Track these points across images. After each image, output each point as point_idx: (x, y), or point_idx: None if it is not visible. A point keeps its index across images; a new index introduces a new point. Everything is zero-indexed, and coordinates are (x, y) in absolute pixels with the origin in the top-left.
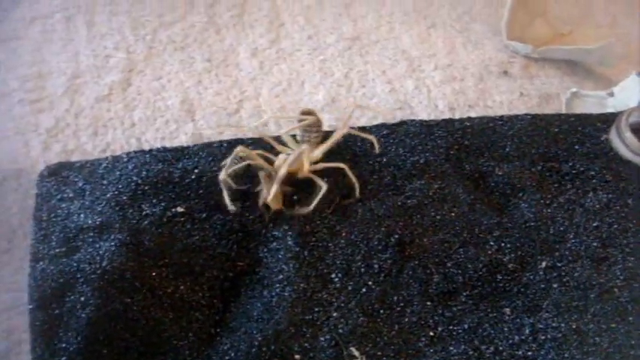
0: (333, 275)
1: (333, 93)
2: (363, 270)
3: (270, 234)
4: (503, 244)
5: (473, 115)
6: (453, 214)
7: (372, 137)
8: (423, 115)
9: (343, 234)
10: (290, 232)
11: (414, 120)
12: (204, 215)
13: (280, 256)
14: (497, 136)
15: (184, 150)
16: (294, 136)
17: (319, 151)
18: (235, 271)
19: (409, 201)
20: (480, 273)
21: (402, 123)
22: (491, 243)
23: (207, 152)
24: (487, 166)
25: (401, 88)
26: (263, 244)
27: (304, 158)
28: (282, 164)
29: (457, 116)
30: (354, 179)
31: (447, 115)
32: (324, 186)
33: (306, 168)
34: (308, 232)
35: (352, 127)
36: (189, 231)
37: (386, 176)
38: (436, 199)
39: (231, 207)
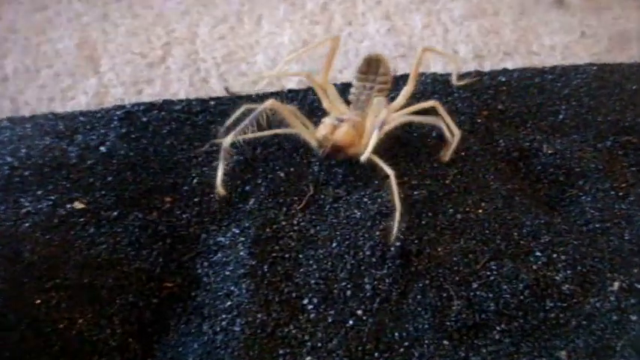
0: (305, 301)
1: (305, 33)
2: (349, 293)
3: (213, 240)
4: (555, 256)
5: (510, 66)
6: (480, 212)
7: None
8: (437, 67)
9: (320, 240)
10: (242, 238)
11: (423, 74)
12: (114, 214)
13: (228, 273)
14: (547, 98)
15: (85, 117)
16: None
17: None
18: (161, 295)
19: (416, 193)
20: (521, 298)
21: (405, 78)
22: (538, 254)
23: (123, 119)
24: (531, 142)
25: (404, 26)
26: (203, 255)
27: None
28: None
29: (487, 68)
30: (448, 121)
31: (471, 67)
32: (391, 174)
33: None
34: (269, 237)
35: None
36: (93, 237)
37: (382, 157)
38: (456, 189)
39: (220, 189)
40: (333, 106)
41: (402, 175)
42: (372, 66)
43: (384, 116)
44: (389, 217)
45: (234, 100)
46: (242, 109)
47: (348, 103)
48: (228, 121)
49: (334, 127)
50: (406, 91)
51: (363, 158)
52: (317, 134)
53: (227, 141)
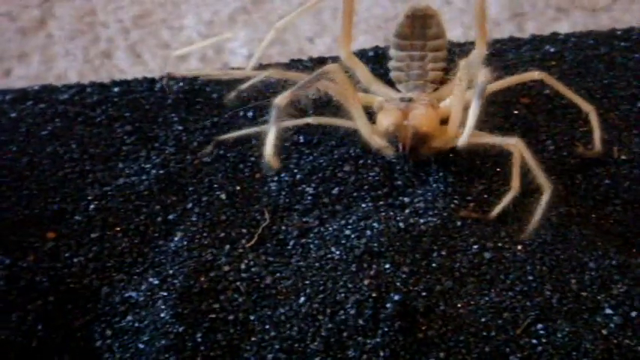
0: None
1: None
2: None
3: (120, 296)
4: (634, 315)
5: (563, 28)
6: (519, 249)
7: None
8: (456, 32)
9: (281, 294)
10: (164, 292)
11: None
12: None
13: (142, 346)
14: (618, 76)
15: None
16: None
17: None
18: None
19: (422, 221)
20: None
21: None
22: (609, 311)
23: None
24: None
25: None
26: (104, 319)
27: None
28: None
29: (530, 32)
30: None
31: (507, 31)
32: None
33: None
34: (204, 289)
35: None
36: None
37: (369, 171)
38: (482, 216)
39: (272, 159)
40: (370, 94)
41: (400, 195)
42: (417, 26)
43: (486, 79)
44: (381, 258)
45: (161, 86)
46: (263, 74)
47: (390, 84)
48: (243, 87)
49: (404, 111)
50: (476, 55)
51: (461, 142)
52: (382, 124)
53: (282, 97)
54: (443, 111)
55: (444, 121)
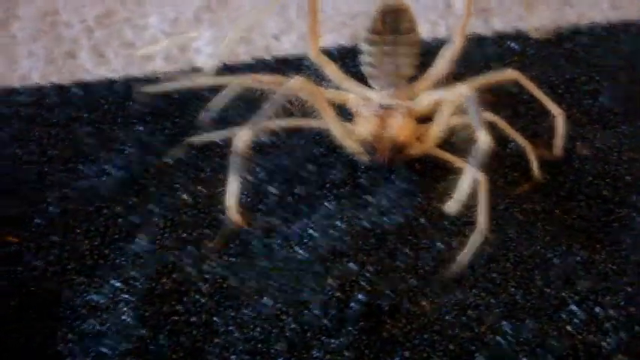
0: None
1: None
2: None
3: (82, 299)
4: (599, 311)
5: (531, 23)
6: (484, 247)
7: None
8: (422, 28)
9: (244, 295)
10: (126, 295)
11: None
12: None
13: (105, 350)
14: (581, 69)
15: None
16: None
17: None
18: None
19: (386, 219)
20: None
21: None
22: (573, 308)
23: None
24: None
25: None
26: (66, 322)
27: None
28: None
29: (496, 28)
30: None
31: (472, 26)
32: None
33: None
34: (166, 291)
35: None
36: None
37: (333, 170)
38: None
39: (235, 216)
40: (342, 91)
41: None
42: (389, 21)
43: (487, 146)
44: (346, 257)
45: (125, 87)
46: (234, 88)
47: (361, 80)
48: (214, 103)
49: (382, 120)
50: (452, 50)
51: (450, 210)
52: (360, 132)
53: (243, 137)
54: (419, 112)
55: (421, 121)
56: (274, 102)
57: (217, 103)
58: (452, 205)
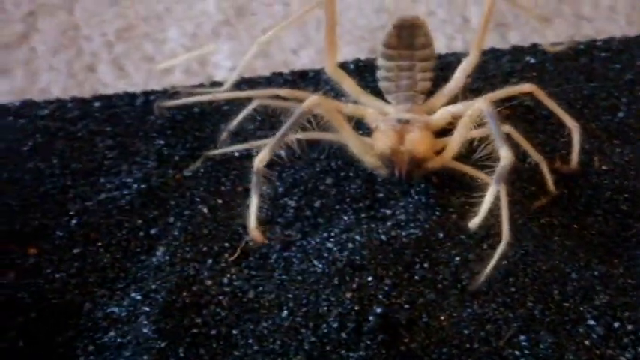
0: None
1: None
2: None
3: (102, 311)
4: (617, 325)
5: (547, 37)
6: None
7: None
8: (438, 44)
9: (264, 308)
10: (146, 307)
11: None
12: None
13: None
14: (597, 85)
15: None
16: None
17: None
18: None
19: (404, 233)
20: None
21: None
22: (591, 322)
23: None
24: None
25: None
26: (86, 334)
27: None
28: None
29: (513, 42)
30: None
31: (490, 41)
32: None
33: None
34: (186, 304)
35: None
36: None
37: (351, 184)
38: (464, 227)
39: (256, 233)
40: (361, 106)
41: (378, 205)
42: (405, 36)
43: (509, 162)
44: (364, 270)
45: (145, 100)
46: (254, 104)
47: (378, 94)
48: (234, 122)
49: (400, 134)
50: (468, 63)
51: (473, 225)
52: (378, 147)
53: (261, 159)
54: (436, 126)
55: (438, 135)
56: (292, 122)
57: (239, 118)
58: (476, 222)
